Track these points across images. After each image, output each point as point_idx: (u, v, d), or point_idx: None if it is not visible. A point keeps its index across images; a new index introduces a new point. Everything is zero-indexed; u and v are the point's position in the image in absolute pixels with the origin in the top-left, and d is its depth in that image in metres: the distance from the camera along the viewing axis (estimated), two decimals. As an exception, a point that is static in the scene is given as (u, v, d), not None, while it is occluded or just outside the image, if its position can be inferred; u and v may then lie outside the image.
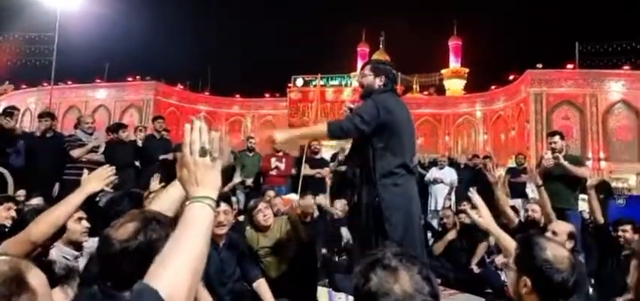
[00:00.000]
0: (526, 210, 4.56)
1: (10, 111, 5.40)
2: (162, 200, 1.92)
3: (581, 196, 7.45)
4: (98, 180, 2.26)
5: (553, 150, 4.81)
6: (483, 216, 2.20)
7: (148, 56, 44.12)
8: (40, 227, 2.03)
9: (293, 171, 7.19)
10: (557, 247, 1.63)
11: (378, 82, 2.94)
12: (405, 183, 2.78)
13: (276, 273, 3.95)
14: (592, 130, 24.84)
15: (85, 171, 2.41)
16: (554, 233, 2.92)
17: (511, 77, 29.49)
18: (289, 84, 30.49)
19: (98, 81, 34.70)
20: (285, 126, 30.38)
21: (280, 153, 7.35)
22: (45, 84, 29.45)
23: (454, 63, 43.23)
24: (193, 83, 36.39)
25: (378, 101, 2.80)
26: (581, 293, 2.13)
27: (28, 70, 31.18)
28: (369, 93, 2.94)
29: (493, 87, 31.39)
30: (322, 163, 7.41)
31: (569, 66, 26.83)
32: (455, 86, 41.83)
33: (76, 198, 2.17)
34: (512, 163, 11.73)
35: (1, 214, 2.65)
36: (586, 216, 7.59)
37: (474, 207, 2.27)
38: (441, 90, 40.40)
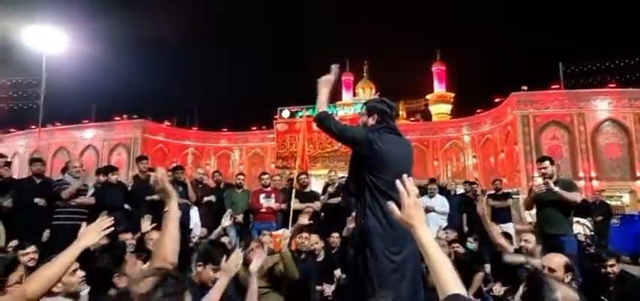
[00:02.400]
0: (520, 239, 4.54)
1: (9, 161, 5.38)
2: (165, 241, 2.05)
3: (576, 219, 7.52)
4: (95, 232, 2.26)
5: (543, 176, 4.82)
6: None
7: (134, 94, 44.32)
8: (36, 285, 1.99)
9: (283, 206, 7.15)
10: (567, 289, 1.61)
11: (371, 121, 3.04)
12: (393, 217, 2.79)
13: (271, 314, 3.90)
14: (581, 149, 25.12)
15: (84, 224, 2.40)
16: (550, 270, 2.90)
17: (497, 100, 29.99)
18: (276, 116, 30.65)
19: (86, 121, 34.52)
20: (274, 158, 30.36)
21: (268, 189, 7.33)
22: (33, 127, 29.18)
23: (439, 88, 43.95)
24: (181, 119, 36.43)
25: (369, 135, 2.90)
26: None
27: (16, 113, 31.02)
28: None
29: (479, 110, 31.84)
30: (312, 196, 7.39)
31: (555, 86, 27.38)
32: (441, 111, 42.43)
33: (74, 251, 2.16)
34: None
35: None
36: (581, 238, 7.66)
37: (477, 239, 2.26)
38: (427, 115, 40.92)
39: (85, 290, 2.71)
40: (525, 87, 27.12)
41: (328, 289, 4.87)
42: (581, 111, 25.65)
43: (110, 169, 6.43)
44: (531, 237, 4.08)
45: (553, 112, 26.12)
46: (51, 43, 19.50)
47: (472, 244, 5.80)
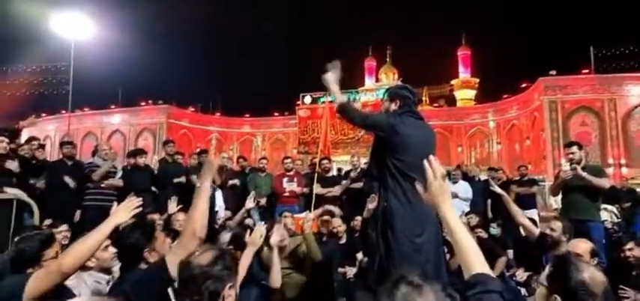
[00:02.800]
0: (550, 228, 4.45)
1: (42, 144, 5.58)
2: (195, 216, 2.18)
3: (603, 205, 7.34)
4: (126, 211, 2.37)
5: (571, 161, 4.73)
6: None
7: (159, 80, 45.09)
8: (71, 259, 2.09)
9: (305, 190, 7.23)
10: (594, 270, 1.61)
11: (393, 107, 3.10)
12: (415, 199, 2.82)
13: (294, 293, 3.97)
14: (612, 136, 24.37)
15: (115, 204, 2.51)
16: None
17: (523, 85, 29.28)
18: (298, 102, 30.70)
19: (112, 107, 35.38)
20: (296, 143, 30.49)
21: (291, 173, 7.41)
22: (63, 112, 30.11)
23: (464, 73, 43.12)
24: (204, 105, 36.94)
25: (391, 120, 2.95)
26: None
27: (46, 99, 32.03)
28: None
29: (505, 96, 31.17)
30: (333, 181, 7.43)
31: (585, 71, 26.54)
32: (465, 96, 41.69)
33: (105, 228, 2.25)
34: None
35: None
36: (609, 225, 7.48)
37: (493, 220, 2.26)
38: (451, 101, 40.26)
39: (116, 266, 2.84)
40: (553, 72, 26.36)
41: (350, 271, 4.93)
42: (612, 96, 24.81)
43: (139, 152, 6.62)
44: (557, 224, 4.00)
45: (582, 98, 25.34)
46: (79, 30, 19.96)
47: (495, 230, 5.76)
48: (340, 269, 4.93)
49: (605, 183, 4.63)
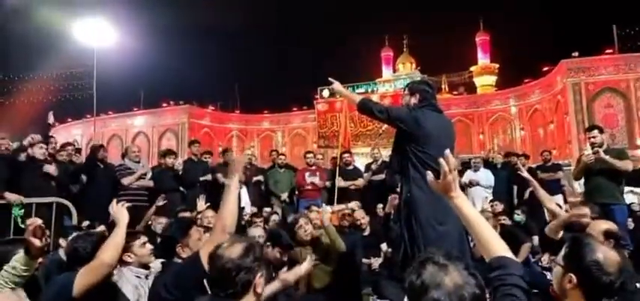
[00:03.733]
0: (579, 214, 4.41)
1: (79, 148, 5.85)
2: (225, 213, 2.33)
3: (629, 188, 7.24)
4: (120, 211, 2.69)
5: (593, 145, 4.74)
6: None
7: (179, 81, 45.67)
8: (110, 252, 2.34)
9: (327, 184, 7.35)
10: (608, 250, 1.66)
11: (413, 101, 3.22)
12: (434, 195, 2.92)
13: (321, 284, 4.11)
14: (639, 117, 23.75)
15: (113, 202, 2.76)
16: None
17: (545, 68, 28.67)
18: (316, 96, 30.78)
19: (135, 109, 36.14)
20: (315, 137, 30.64)
21: (313, 167, 7.53)
22: (88, 116, 30.91)
23: (483, 59, 42.39)
24: (223, 103, 37.37)
25: (413, 113, 3.09)
26: (628, 291, 2.16)
27: (71, 104, 32.91)
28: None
29: (526, 80, 30.58)
30: (355, 174, 7.53)
31: (608, 51, 25.80)
32: (485, 83, 41.04)
33: (122, 225, 2.58)
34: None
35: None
36: (636, 208, 7.38)
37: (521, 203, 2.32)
38: (471, 88, 39.68)
39: (157, 262, 3.03)
40: (576, 54, 25.70)
41: (375, 262, 5.03)
42: (638, 76, 24.09)
43: (168, 153, 6.83)
44: (585, 210, 3.98)
45: (607, 78, 24.66)
46: (101, 36, 20.47)
47: (519, 216, 5.77)
48: (365, 261, 5.04)
49: (627, 165, 4.61)
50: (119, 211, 2.65)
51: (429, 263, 1.27)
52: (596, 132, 4.81)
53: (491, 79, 41.48)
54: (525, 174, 4.20)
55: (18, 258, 2.24)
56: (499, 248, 1.56)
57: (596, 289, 1.57)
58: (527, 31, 44.92)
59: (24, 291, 2.40)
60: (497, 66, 41.98)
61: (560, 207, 5.47)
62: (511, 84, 32.53)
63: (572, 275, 1.61)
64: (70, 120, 36.33)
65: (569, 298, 1.63)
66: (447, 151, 1.73)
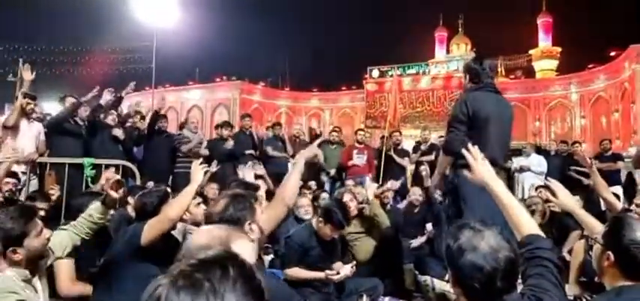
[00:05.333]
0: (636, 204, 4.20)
1: (144, 115, 6.34)
2: (287, 185, 2.46)
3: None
4: (199, 171, 2.79)
5: None
6: (561, 199, 2.28)
7: (231, 57, 46.83)
8: (175, 209, 2.59)
9: (374, 163, 7.39)
10: None
11: (466, 82, 3.25)
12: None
13: (365, 256, 4.26)
14: None
15: (194, 163, 2.94)
16: (637, 205, 3.15)
17: (612, 53, 26.84)
18: (366, 76, 30.57)
19: (190, 83, 37.57)
20: (363, 117, 30.54)
21: (361, 146, 7.58)
22: (147, 88, 32.52)
23: (544, 42, 40.20)
24: (274, 80, 38.02)
25: (462, 99, 3.11)
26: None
27: (131, 76, 34.74)
28: (453, 106, 3.30)
29: (590, 66, 28.77)
30: (404, 154, 7.54)
31: (683, 36, 23.78)
32: (546, 67, 38.97)
33: (194, 185, 2.72)
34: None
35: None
36: None
37: (553, 194, 2.35)
38: (529, 72, 37.83)
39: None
40: (647, 39, 23.85)
41: (417, 241, 5.10)
42: None
43: (225, 125, 7.17)
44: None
45: (681, 66, 22.77)
46: (161, 14, 21.44)
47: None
48: (411, 242, 5.08)
49: None
50: (197, 171, 2.78)
51: (466, 228, 1.37)
52: None
53: (552, 64, 39.34)
54: (586, 160, 4.05)
55: (95, 208, 2.55)
56: (531, 227, 1.64)
57: (633, 268, 1.60)
58: (594, 13, 41.97)
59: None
60: (559, 49, 39.71)
61: (618, 197, 5.27)
62: (574, 70, 30.76)
63: (610, 253, 1.65)
64: (130, 91, 38.31)
65: (607, 275, 1.68)
66: (469, 144, 1.89)
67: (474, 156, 1.86)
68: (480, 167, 1.86)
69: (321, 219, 3.55)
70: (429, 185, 4.84)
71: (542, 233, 1.64)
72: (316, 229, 3.57)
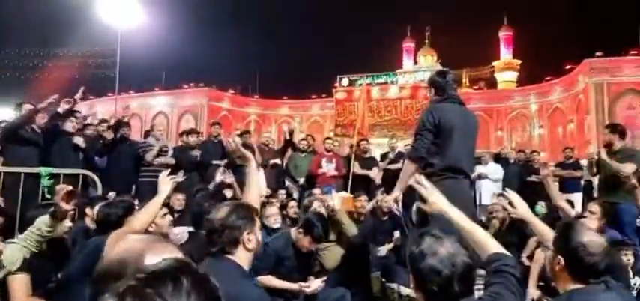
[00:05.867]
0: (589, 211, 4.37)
1: (111, 125, 6.11)
2: (247, 194, 2.50)
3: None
4: (167, 183, 2.78)
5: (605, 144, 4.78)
6: (517, 208, 2.37)
7: (199, 63, 46.20)
8: (140, 222, 2.52)
9: (343, 171, 7.42)
10: (593, 234, 1.80)
11: (430, 94, 3.36)
12: (451, 184, 3.06)
13: (333, 265, 4.27)
14: (661, 120, 23.28)
15: (161, 174, 2.88)
16: (590, 212, 3.26)
17: (568, 67, 28.18)
18: (335, 85, 30.81)
19: (156, 89, 36.72)
20: (333, 126, 30.73)
21: (330, 154, 7.60)
22: (109, 94, 31.62)
23: (506, 54, 41.78)
24: (243, 87, 37.74)
25: (429, 109, 3.21)
26: (619, 280, 2.28)
27: (94, 81, 33.65)
28: (420, 116, 3.37)
29: (548, 78, 30.10)
30: (371, 162, 7.61)
31: (633, 52, 25.22)
32: (507, 79, 40.47)
33: (161, 197, 2.71)
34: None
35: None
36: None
37: (510, 203, 2.45)
38: (492, 84, 39.16)
39: (185, 231, 3.25)
40: (600, 54, 25.18)
41: (383, 249, 5.15)
42: (662, 79, 23.55)
43: (191, 132, 7.05)
44: (595, 207, 4.01)
45: (631, 80, 24.18)
46: (126, 15, 20.78)
47: (542, 208, 5.77)
48: (379, 248, 5.12)
49: (626, 168, 4.47)
50: (165, 182, 2.77)
51: (427, 236, 1.44)
52: (607, 130, 4.81)
53: (513, 75, 40.90)
54: (542, 171, 4.23)
55: (43, 220, 2.45)
56: (493, 246, 1.73)
57: (581, 270, 1.70)
58: (551, 28, 44.07)
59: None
60: (519, 62, 41.34)
61: (573, 205, 5.51)
62: (533, 82, 32.10)
63: (560, 257, 1.74)
64: (92, 97, 37.08)
65: (559, 280, 1.77)
66: (417, 176, 1.99)
67: (424, 186, 1.94)
68: (432, 197, 1.93)
69: (301, 230, 3.55)
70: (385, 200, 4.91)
71: (506, 251, 1.72)
72: (294, 240, 3.56)
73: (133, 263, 1.05)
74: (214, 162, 6.88)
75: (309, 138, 7.96)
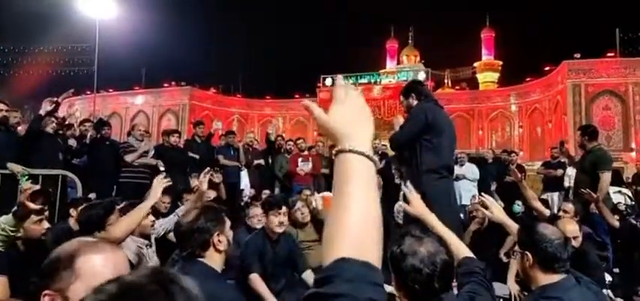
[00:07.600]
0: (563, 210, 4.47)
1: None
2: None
3: (616, 188, 7.37)
4: (160, 187, 2.81)
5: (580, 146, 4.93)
6: (493, 212, 2.46)
7: (181, 61, 45.68)
8: (123, 228, 2.54)
9: (322, 171, 7.44)
10: (553, 228, 1.94)
11: (412, 101, 3.46)
12: (445, 183, 3.15)
13: (315, 264, 4.29)
14: (636, 120, 23.96)
15: (156, 178, 2.88)
16: (564, 211, 3.46)
17: (547, 68, 28.81)
18: (319, 85, 30.85)
19: (136, 87, 36.13)
20: (316, 125, 30.65)
21: (306, 153, 7.64)
22: (88, 92, 30.96)
23: (487, 55, 42.45)
24: (225, 86, 37.45)
25: (422, 109, 3.31)
26: (594, 277, 2.38)
27: (71, 79, 32.88)
28: (413, 111, 3.45)
29: (528, 79, 30.72)
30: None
31: (610, 54, 25.92)
32: (488, 79, 41.13)
33: (149, 203, 2.72)
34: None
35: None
36: (622, 207, 7.56)
37: (486, 207, 2.54)
38: (473, 84, 39.76)
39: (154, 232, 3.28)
40: (578, 55, 25.83)
41: None
42: (638, 80, 24.25)
43: (172, 132, 6.98)
44: (569, 206, 4.13)
45: (607, 81, 24.86)
46: (103, 8, 20.22)
47: (519, 207, 5.90)
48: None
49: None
50: (158, 186, 2.80)
51: (408, 236, 1.48)
52: (579, 132, 4.98)
53: (494, 76, 41.58)
54: (514, 176, 4.31)
55: (6, 219, 2.40)
56: (466, 251, 1.88)
57: (548, 261, 1.81)
58: (532, 30, 44.95)
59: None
60: (500, 63, 42.04)
61: (546, 205, 5.65)
62: (513, 82, 32.72)
63: (527, 253, 1.84)
64: (71, 92, 36.28)
65: (532, 279, 1.86)
66: (408, 184, 2.15)
67: (412, 193, 2.10)
68: (417, 202, 2.07)
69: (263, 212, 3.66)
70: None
71: (473, 256, 1.87)
72: (267, 231, 3.58)
73: (66, 263, 1.10)
74: (191, 154, 6.86)
75: (299, 142, 7.99)
